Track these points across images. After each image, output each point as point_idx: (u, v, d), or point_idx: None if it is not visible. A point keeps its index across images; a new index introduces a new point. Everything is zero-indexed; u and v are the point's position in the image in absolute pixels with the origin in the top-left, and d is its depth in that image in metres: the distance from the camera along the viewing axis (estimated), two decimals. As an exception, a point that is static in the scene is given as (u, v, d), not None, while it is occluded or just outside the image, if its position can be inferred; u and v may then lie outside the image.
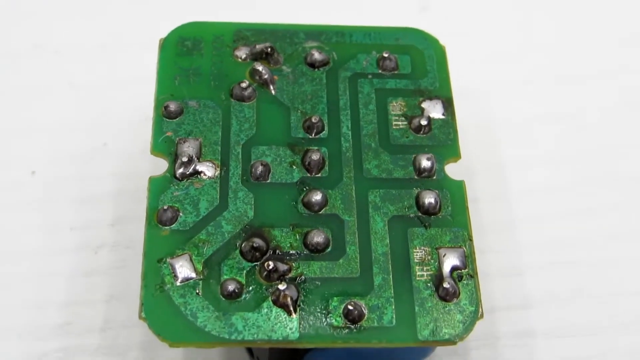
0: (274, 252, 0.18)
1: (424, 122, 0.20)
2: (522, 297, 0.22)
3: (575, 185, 0.24)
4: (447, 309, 0.18)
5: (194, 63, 0.20)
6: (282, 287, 0.18)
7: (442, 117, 0.20)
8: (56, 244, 0.23)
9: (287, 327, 0.17)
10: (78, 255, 0.23)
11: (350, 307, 0.17)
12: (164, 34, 0.25)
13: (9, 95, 0.25)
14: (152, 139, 0.19)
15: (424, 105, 0.20)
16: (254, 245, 0.18)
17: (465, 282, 0.18)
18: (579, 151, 0.25)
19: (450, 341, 0.17)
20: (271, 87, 0.20)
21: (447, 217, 0.19)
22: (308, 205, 0.19)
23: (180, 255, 0.18)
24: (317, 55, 0.20)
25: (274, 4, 0.27)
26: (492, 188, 0.24)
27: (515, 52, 0.26)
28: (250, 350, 0.21)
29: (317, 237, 0.18)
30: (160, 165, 0.24)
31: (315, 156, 0.19)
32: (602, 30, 0.27)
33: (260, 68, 0.20)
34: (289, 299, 0.17)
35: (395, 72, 0.21)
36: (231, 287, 0.18)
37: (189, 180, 0.19)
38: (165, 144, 0.19)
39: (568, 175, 0.24)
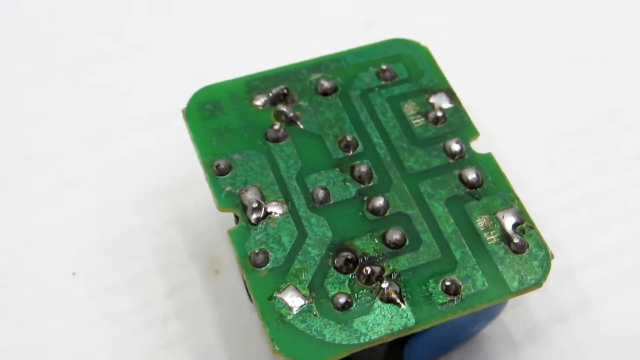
0: (363, 259, 0.20)
1: (439, 114, 0.22)
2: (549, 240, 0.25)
3: (552, 139, 0.27)
4: (524, 259, 0.20)
5: (221, 122, 0.22)
6: (385, 285, 0.20)
7: (451, 105, 0.23)
8: (126, 330, 0.24)
9: (402, 317, 0.19)
10: (150, 332, 0.24)
11: (447, 284, 0.20)
12: (144, 115, 0.27)
13: (20, 208, 0.26)
14: (215, 198, 0.21)
15: (431, 100, 0.23)
16: (348, 257, 0.20)
17: (528, 233, 0.21)
18: (539, 112, 0.28)
19: (537, 285, 0.20)
20: (298, 123, 0.22)
21: (491, 185, 0.21)
22: (374, 211, 0.21)
23: (286, 288, 0.20)
24: (326, 84, 0.23)
25: (245, 56, 0.29)
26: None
27: (458, 46, 0.30)
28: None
29: (395, 235, 0.20)
30: (193, 229, 0.25)
31: (363, 168, 0.21)
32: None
33: (284, 109, 0.22)
34: (394, 294, 0.20)
35: (396, 79, 0.23)
36: (342, 299, 0.19)
37: (264, 223, 0.21)
38: (228, 199, 0.21)
39: (543, 132, 0.27)
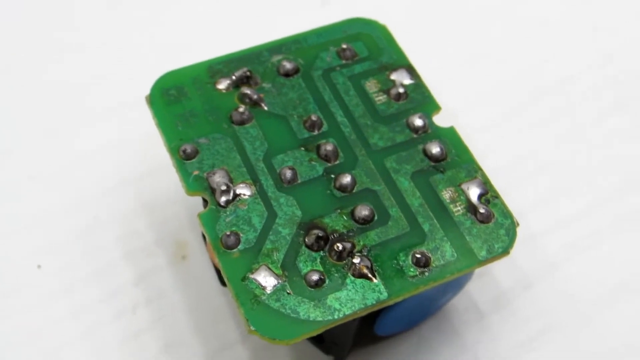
0: (333, 236, 0.20)
1: (400, 90, 0.23)
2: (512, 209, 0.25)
3: (511, 110, 0.28)
4: (490, 228, 0.21)
5: (186, 107, 0.22)
6: (357, 260, 0.20)
7: (412, 81, 0.23)
8: (95, 320, 0.24)
9: (375, 291, 0.20)
10: (119, 322, 0.24)
11: (418, 256, 0.20)
12: (104, 105, 0.27)
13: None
14: (183, 183, 0.21)
15: (392, 77, 0.23)
16: (319, 235, 0.20)
17: (493, 202, 0.21)
18: (497, 83, 0.28)
19: (505, 252, 0.20)
20: (262, 105, 0.22)
21: (455, 158, 0.22)
22: (341, 188, 0.21)
23: (258, 268, 0.20)
24: (288, 65, 0.23)
25: (204, 41, 0.29)
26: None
27: (413, 22, 0.30)
28: (318, 339, 0.23)
29: (364, 211, 0.21)
30: (158, 216, 0.25)
31: (329, 147, 0.21)
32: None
33: (248, 91, 0.22)
34: (365, 269, 0.20)
35: (356, 58, 0.23)
36: (315, 277, 0.20)
37: (233, 205, 0.21)
38: (196, 183, 0.21)
39: (501, 104, 0.28)
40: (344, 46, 0.23)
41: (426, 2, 0.31)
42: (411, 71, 0.23)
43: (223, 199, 0.21)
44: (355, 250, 0.20)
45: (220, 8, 0.30)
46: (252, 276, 0.20)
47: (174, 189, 0.26)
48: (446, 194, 0.21)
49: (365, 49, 0.23)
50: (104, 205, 0.26)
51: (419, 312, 0.23)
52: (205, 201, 0.21)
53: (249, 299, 0.19)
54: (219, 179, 0.21)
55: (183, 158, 0.21)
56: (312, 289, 0.20)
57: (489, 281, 0.24)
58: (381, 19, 0.24)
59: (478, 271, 0.24)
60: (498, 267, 0.24)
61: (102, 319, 0.24)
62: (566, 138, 0.27)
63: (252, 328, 0.19)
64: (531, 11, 0.30)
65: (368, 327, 0.22)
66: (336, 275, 0.20)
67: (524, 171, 0.26)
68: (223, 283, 0.22)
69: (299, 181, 0.21)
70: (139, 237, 0.25)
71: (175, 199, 0.26)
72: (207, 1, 0.31)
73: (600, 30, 0.30)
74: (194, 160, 0.21)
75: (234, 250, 0.20)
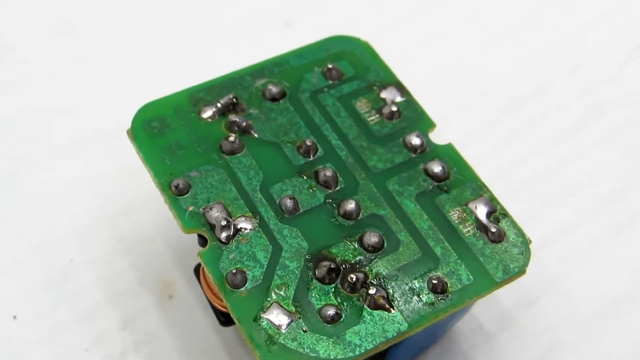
0: (345, 266, 0.19)
1: (394, 109, 0.22)
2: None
3: (490, 122, 0.27)
4: (503, 248, 0.20)
5: (171, 139, 0.21)
6: (372, 291, 0.19)
7: (403, 99, 0.22)
8: (80, 370, 0.22)
9: (394, 322, 0.19)
10: (107, 370, 0.22)
11: (434, 282, 0.19)
12: (68, 140, 0.25)
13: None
14: (178, 220, 0.20)
15: (382, 95, 0.22)
16: (331, 267, 0.19)
17: (503, 221, 0.20)
18: (474, 95, 0.28)
19: (521, 272, 0.20)
20: (252, 132, 0.21)
21: (458, 176, 0.21)
22: (346, 215, 0.20)
23: (270, 306, 0.19)
24: (274, 89, 0.22)
25: (170, 70, 0.27)
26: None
27: (378, 36, 0.29)
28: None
29: (372, 238, 0.20)
30: (139, 254, 0.24)
31: (328, 172, 0.20)
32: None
33: (236, 119, 0.21)
34: (382, 299, 0.19)
35: (343, 77, 0.22)
36: (330, 312, 0.19)
37: (234, 240, 0.19)
38: (193, 219, 0.20)
39: (480, 116, 0.27)
40: (330, 66, 0.22)
41: (393, 15, 0.30)
42: (401, 88, 0.22)
43: (224, 234, 0.19)
44: (369, 280, 0.19)
45: (182, 34, 0.29)
46: (264, 315, 0.18)
47: (152, 224, 0.24)
48: (454, 215, 0.20)
49: (351, 68, 0.23)
50: (80, 247, 0.24)
51: (429, 338, 0.22)
52: (201, 238, 0.20)
53: (264, 341, 0.18)
54: (217, 213, 0.20)
55: (175, 194, 0.20)
56: (329, 325, 0.18)
57: (492, 300, 0.24)
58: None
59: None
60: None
61: (89, 368, 0.22)
62: (550, 146, 0.26)
63: (271, 372, 0.18)
64: (503, 22, 0.30)
65: (379, 358, 0.21)
66: (352, 308, 0.19)
67: (513, 182, 0.26)
68: (223, 323, 0.21)
69: (301, 210, 0.20)
70: (121, 278, 0.24)
71: (155, 235, 0.24)
72: (171, 28, 0.29)
73: (570, 38, 0.30)
74: (187, 195, 0.20)
75: (242, 289, 0.19)
